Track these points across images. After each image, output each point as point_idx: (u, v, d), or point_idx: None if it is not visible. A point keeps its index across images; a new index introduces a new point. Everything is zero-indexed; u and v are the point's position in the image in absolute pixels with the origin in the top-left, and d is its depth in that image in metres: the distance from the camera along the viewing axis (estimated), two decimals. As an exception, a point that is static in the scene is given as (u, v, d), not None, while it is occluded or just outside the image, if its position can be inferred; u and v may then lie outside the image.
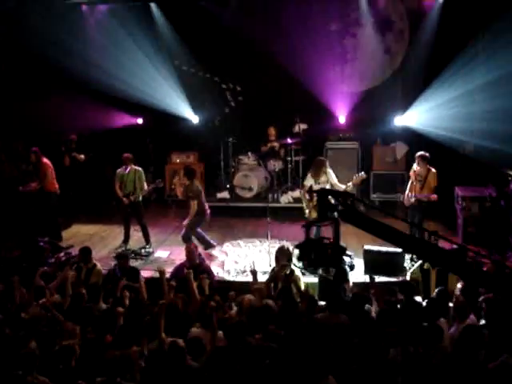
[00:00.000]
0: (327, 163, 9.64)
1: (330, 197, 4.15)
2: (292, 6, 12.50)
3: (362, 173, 9.63)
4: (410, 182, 9.70)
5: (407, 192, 9.64)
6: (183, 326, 6.18)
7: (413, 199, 9.47)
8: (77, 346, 5.52)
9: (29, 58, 12.05)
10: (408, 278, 8.21)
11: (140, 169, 10.46)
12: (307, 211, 9.64)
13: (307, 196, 9.65)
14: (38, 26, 11.82)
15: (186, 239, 9.67)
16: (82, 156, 12.44)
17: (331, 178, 9.53)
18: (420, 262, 7.99)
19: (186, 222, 9.75)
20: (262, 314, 6.20)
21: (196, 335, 5.89)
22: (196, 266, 7.99)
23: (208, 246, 10.05)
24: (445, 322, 6.17)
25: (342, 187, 9.43)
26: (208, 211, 9.96)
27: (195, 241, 9.74)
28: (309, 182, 9.55)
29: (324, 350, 5.25)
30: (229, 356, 5.24)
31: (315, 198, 9.41)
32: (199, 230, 9.97)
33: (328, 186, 9.44)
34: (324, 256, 4.09)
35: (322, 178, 9.47)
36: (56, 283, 7.57)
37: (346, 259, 8.94)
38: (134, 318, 6.20)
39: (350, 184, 9.37)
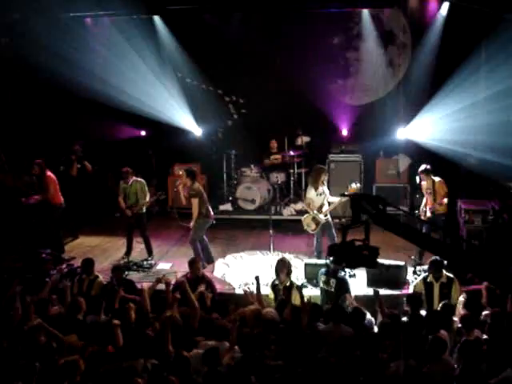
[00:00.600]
0: (326, 172, 9.65)
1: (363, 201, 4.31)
2: (295, 19, 12.53)
3: (357, 182, 9.67)
4: (424, 197, 9.75)
5: (422, 207, 9.72)
6: (185, 338, 6.17)
7: (429, 213, 9.51)
8: (81, 361, 5.49)
9: (32, 71, 12.10)
10: (411, 291, 8.16)
11: (142, 180, 10.49)
12: (306, 224, 9.68)
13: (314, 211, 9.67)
14: (42, 39, 11.90)
15: (193, 242, 9.68)
16: (89, 167, 12.51)
17: (326, 190, 9.65)
18: (424, 275, 7.97)
19: (192, 224, 9.71)
20: (268, 325, 6.19)
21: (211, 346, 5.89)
22: (198, 279, 7.96)
23: (209, 259, 10.03)
24: (446, 335, 6.13)
25: (336, 199, 9.52)
26: (211, 213, 9.89)
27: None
28: (311, 193, 9.61)
29: (327, 362, 5.26)
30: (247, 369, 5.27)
31: (314, 211, 9.51)
32: (206, 239, 9.96)
33: (324, 198, 9.50)
34: (361, 257, 4.23)
35: (320, 189, 9.53)
36: (45, 292, 7.55)
37: (346, 269, 8.95)
38: (140, 330, 6.19)
39: (346, 193, 9.40)
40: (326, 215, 9.57)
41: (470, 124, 11.22)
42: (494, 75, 10.97)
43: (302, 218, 9.86)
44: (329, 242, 9.64)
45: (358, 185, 9.64)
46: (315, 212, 9.60)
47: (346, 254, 4.32)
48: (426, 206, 9.65)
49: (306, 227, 9.82)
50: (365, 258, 4.30)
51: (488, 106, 11.25)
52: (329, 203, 9.62)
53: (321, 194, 9.54)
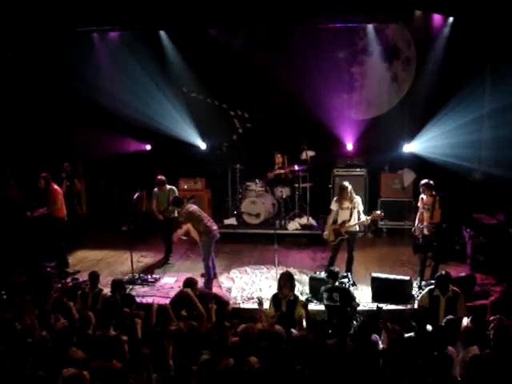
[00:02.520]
0: (350, 189, 9.66)
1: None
2: (300, 34, 12.60)
3: (382, 211, 9.79)
4: (418, 212, 9.62)
5: (416, 222, 9.56)
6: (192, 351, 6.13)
7: (424, 230, 9.33)
8: (86, 373, 5.47)
9: (38, 84, 12.20)
10: (416, 305, 8.11)
11: (173, 188, 11.17)
12: (326, 234, 9.78)
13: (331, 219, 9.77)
14: (49, 54, 12.02)
15: (205, 261, 9.68)
16: (78, 184, 12.67)
17: (358, 206, 9.65)
18: (428, 288, 7.92)
19: (200, 245, 9.81)
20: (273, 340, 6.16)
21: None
22: (202, 296, 7.86)
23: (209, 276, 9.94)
24: (454, 351, 6.09)
25: (363, 218, 9.61)
26: (214, 228, 9.83)
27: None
28: (333, 206, 9.77)
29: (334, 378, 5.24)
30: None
31: (338, 223, 9.56)
32: (213, 255, 9.99)
33: (352, 213, 9.54)
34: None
35: (346, 204, 9.57)
36: (48, 306, 7.54)
37: (344, 280, 9.02)
38: (146, 344, 6.18)
39: (368, 218, 9.62)
40: (346, 232, 9.58)
41: (475, 138, 11.23)
42: (499, 89, 10.99)
43: (325, 227, 10.00)
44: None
45: (382, 213, 9.73)
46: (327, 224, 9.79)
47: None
48: (420, 221, 9.45)
49: (325, 237, 9.86)
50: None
51: (493, 120, 11.25)
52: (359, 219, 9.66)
53: (343, 209, 9.59)
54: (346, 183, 9.74)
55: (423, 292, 7.96)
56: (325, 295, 8.02)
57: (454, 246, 10.51)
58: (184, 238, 10.31)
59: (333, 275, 8.18)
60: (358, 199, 9.69)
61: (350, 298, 7.90)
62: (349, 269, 9.53)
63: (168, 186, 11.07)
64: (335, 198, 9.82)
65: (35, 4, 11.26)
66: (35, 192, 11.02)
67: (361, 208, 9.67)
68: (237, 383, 5.40)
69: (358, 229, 9.87)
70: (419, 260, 9.55)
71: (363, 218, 9.59)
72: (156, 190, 11.13)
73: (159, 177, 11.12)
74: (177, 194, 10.94)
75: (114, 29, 12.70)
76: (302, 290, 9.32)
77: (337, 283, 8.21)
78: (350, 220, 9.55)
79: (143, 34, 12.73)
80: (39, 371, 5.61)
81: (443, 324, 6.84)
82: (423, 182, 9.44)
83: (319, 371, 5.57)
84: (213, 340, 6.31)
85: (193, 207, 9.98)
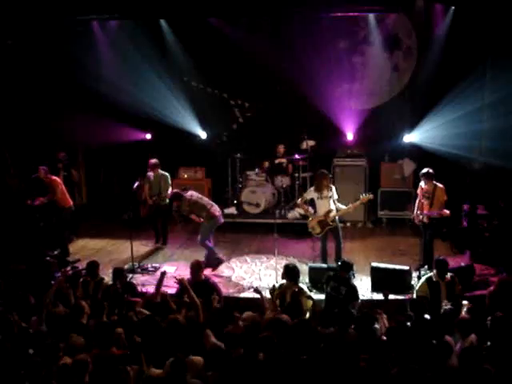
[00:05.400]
0: (329, 177, 9.64)
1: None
2: (301, 23, 12.55)
3: (370, 193, 9.67)
4: (417, 200, 9.61)
5: (416, 210, 9.57)
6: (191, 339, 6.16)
7: (422, 217, 9.36)
8: (89, 360, 5.49)
9: (37, 73, 12.16)
10: (415, 295, 8.13)
11: (166, 173, 11.34)
12: (311, 227, 9.69)
13: (311, 210, 9.75)
14: (49, 42, 11.97)
15: (203, 242, 10.00)
16: (75, 174, 12.72)
17: (333, 195, 9.59)
18: (426, 275, 7.93)
19: (201, 227, 10.10)
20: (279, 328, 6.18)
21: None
22: (201, 283, 7.90)
23: (217, 262, 10.17)
24: (451, 340, 6.11)
25: (343, 207, 9.51)
26: (217, 213, 10.10)
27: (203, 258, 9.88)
28: (310, 194, 9.66)
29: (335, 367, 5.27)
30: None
31: (320, 213, 9.52)
32: (211, 244, 10.13)
33: (331, 202, 9.49)
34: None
35: (325, 193, 9.50)
36: (50, 294, 7.56)
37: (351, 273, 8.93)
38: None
39: (356, 203, 9.45)
40: (333, 220, 9.55)
41: (475, 128, 11.20)
42: (500, 79, 10.95)
43: (308, 220, 9.86)
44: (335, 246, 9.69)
45: (372, 195, 9.62)
46: (309, 214, 9.80)
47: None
48: (420, 209, 9.44)
49: (310, 230, 9.81)
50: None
51: (493, 110, 11.23)
52: (337, 209, 9.62)
53: (323, 198, 9.52)
54: (326, 171, 9.72)
55: (420, 281, 7.95)
56: (331, 284, 7.91)
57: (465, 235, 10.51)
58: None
59: (346, 267, 7.98)
60: (333, 187, 9.67)
61: (354, 298, 7.79)
62: (339, 257, 9.41)
63: (160, 171, 11.27)
64: (313, 187, 9.69)
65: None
66: (34, 182, 11.03)
67: (335, 196, 9.61)
68: (248, 372, 5.41)
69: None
70: (419, 248, 9.56)
71: (342, 206, 9.53)
72: (149, 173, 11.34)
73: (152, 160, 11.30)
74: (169, 181, 11.35)
75: (114, 17, 12.63)
76: (301, 279, 9.33)
77: (349, 274, 8.12)
78: (331, 209, 9.49)
79: (143, 22, 12.69)
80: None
81: (442, 312, 6.88)
82: (423, 171, 9.41)
83: (320, 359, 5.59)
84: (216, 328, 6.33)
85: (194, 196, 10.05)
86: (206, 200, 10.24)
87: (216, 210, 10.12)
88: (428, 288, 7.65)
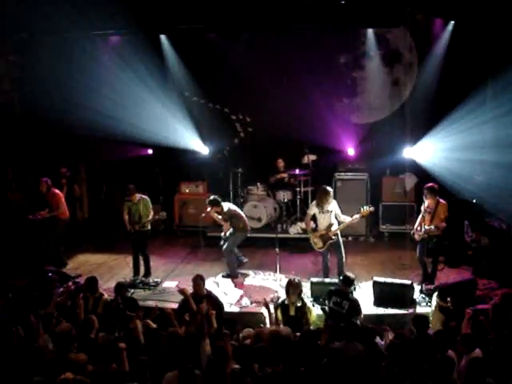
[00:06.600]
0: (331, 193, 9.66)
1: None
2: (301, 38, 12.62)
3: (370, 206, 9.67)
4: (420, 215, 9.59)
5: (416, 226, 9.54)
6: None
7: (422, 233, 9.34)
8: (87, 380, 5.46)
9: (39, 88, 12.20)
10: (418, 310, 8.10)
11: (146, 197, 10.42)
12: (313, 241, 9.69)
13: (312, 225, 9.70)
14: (51, 59, 12.03)
15: (229, 252, 10.23)
16: (77, 189, 12.73)
17: (335, 209, 9.60)
18: (434, 303, 7.95)
19: (230, 237, 10.23)
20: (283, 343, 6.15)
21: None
22: (203, 298, 7.88)
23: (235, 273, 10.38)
24: (454, 355, 6.07)
25: (348, 219, 9.48)
26: (248, 227, 10.43)
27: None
28: (312, 210, 9.64)
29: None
30: None
31: (321, 228, 9.51)
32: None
33: (333, 216, 9.49)
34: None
35: (326, 207, 9.51)
36: (50, 309, 7.53)
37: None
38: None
39: (356, 216, 9.44)
40: (334, 234, 9.55)
41: (477, 143, 11.18)
42: (502, 94, 10.96)
43: (309, 235, 9.85)
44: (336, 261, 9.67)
45: (372, 208, 9.64)
46: (309, 231, 9.81)
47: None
48: (420, 225, 9.43)
49: (313, 245, 9.81)
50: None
51: (495, 124, 11.22)
52: (339, 223, 9.61)
53: (325, 213, 9.53)
54: (328, 187, 9.74)
55: (432, 306, 7.96)
56: (333, 299, 7.87)
57: (466, 250, 10.47)
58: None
59: (348, 281, 7.97)
60: (334, 201, 9.70)
61: (356, 312, 7.77)
62: (341, 271, 9.42)
63: (138, 195, 10.31)
64: (315, 202, 9.71)
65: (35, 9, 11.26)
66: (36, 196, 11.05)
67: (337, 210, 9.64)
68: None
69: None
70: (420, 264, 9.55)
71: (347, 218, 9.53)
72: (126, 199, 10.36)
73: (129, 185, 10.37)
74: (150, 205, 10.36)
75: (115, 33, 12.70)
76: (303, 294, 9.30)
77: (351, 289, 8.12)
78: (333, 223, 9.52)
79: (144, 38, 12.73)
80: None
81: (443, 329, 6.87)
82: (427, 185, 9.43)
83: (325, 373, 5.57)
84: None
85: (232, 206, 10.41)
86: (242, 212, 10.56)
87: (248, 223, 10.40)
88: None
